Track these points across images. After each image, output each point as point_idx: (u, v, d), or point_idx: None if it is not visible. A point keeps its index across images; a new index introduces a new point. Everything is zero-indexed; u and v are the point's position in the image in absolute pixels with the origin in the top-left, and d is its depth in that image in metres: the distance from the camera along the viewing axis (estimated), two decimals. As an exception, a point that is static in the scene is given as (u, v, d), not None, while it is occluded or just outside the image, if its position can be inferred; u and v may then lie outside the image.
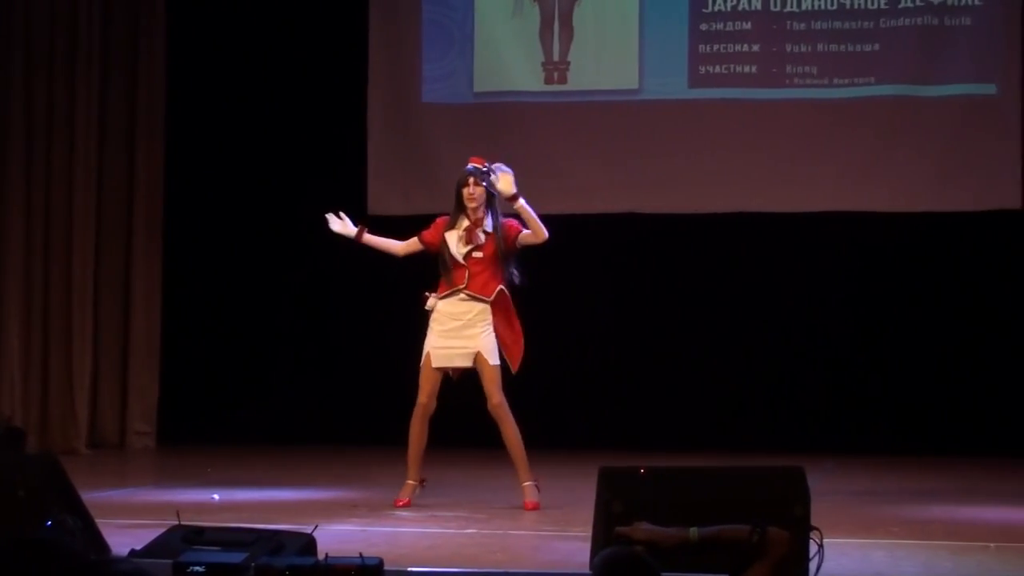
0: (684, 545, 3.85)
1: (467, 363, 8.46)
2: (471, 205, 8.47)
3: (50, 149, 12.23)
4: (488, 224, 8.49)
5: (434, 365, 8.48)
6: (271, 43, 13.10)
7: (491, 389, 8.44)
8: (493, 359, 8.45)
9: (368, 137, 12.71)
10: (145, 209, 12.76)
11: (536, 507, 8.38)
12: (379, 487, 9.43)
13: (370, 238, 8.93)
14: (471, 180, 8.47)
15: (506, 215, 8.61)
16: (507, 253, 8.52)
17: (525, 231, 8.49)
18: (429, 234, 8.67)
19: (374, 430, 12.26)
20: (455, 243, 8.49)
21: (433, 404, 8.50)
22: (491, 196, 8.50)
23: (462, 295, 8.48)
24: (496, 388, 8.43)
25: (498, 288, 8.51)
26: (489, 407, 8.47)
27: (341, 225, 8.92)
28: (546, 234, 8.48)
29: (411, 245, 8.78)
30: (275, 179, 13.15)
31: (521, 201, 8.42)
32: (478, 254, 8.46)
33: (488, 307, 8.48)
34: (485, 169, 8.51)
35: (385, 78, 12.74)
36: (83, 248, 12.34)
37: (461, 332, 8.46)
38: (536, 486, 8.46)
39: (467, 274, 8.47)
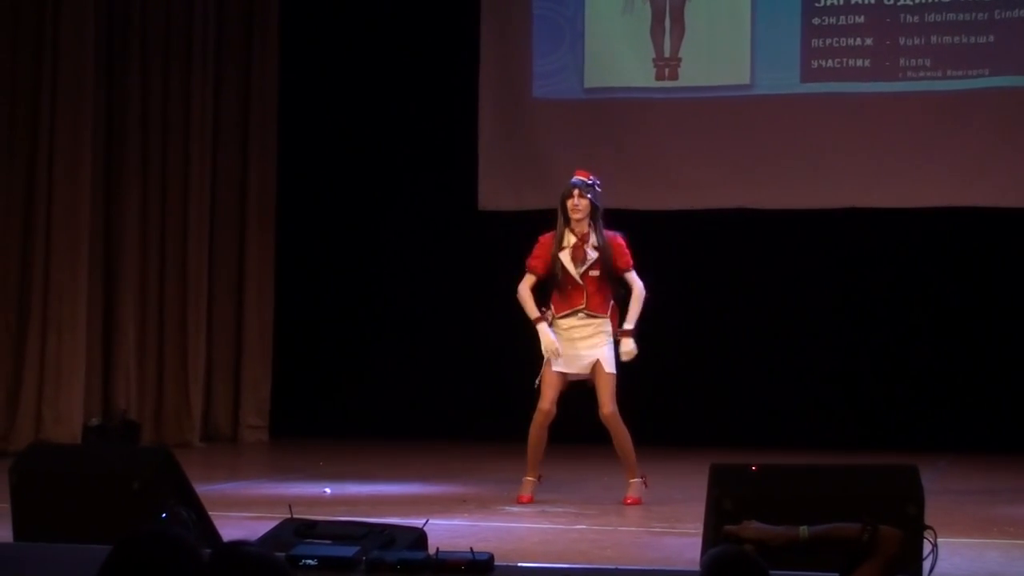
0: (794, 543, 3.82)
1: (587, 371, 8.47)
2: (576, 216, 8.45)
3: (165, 148, 12.39)
4: (594, 239, 8.47)
5: (553, 369, 8.47)
6: (382, 40, 13.18)
7: (604, 398, 8.43)
8: (610, 368, 8.44)
9: (479, 133, 12.74)
10: (258, 205, 12.90)
11: (637, 503, 8.37)
12: (490, 482, 9.46)
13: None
14: (576, 192, 8.45)
15: (609, 228, 8.58)
16: (613, 272, 8.54)
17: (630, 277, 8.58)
18: (537, 262, 8.56)
19: (485, 425, 12.31)
20: (569, 262, 8.48)
21: (555, 410, 8.48)
22: (595, 209, 8.48)
23: (581, 315, 8.49)
24: (610, 397, 8.42)
25: (611, 303, 8.54)
26: (601, 415, 8.45)
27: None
28: (644, 293, 8.59)
29: (533, 283, 8.63)
30: (387, 176, 13.23)
31: (629, 327, 8.52)
32: (594, 272, 8.46)
33: (607, 320, 8.50)
34: (591, 182, 8.50)
35: (496, 74, 12.76)
36: (197, 245, 12.49)
37: (584, 342, 8.47)
38: (644, 483, 8.45)
39: (585, 294, 8.47)
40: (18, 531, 6.00)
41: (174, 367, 12.41)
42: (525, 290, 8.60)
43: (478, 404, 12.63)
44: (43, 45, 11.43)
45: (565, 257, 8.48)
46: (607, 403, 8.43)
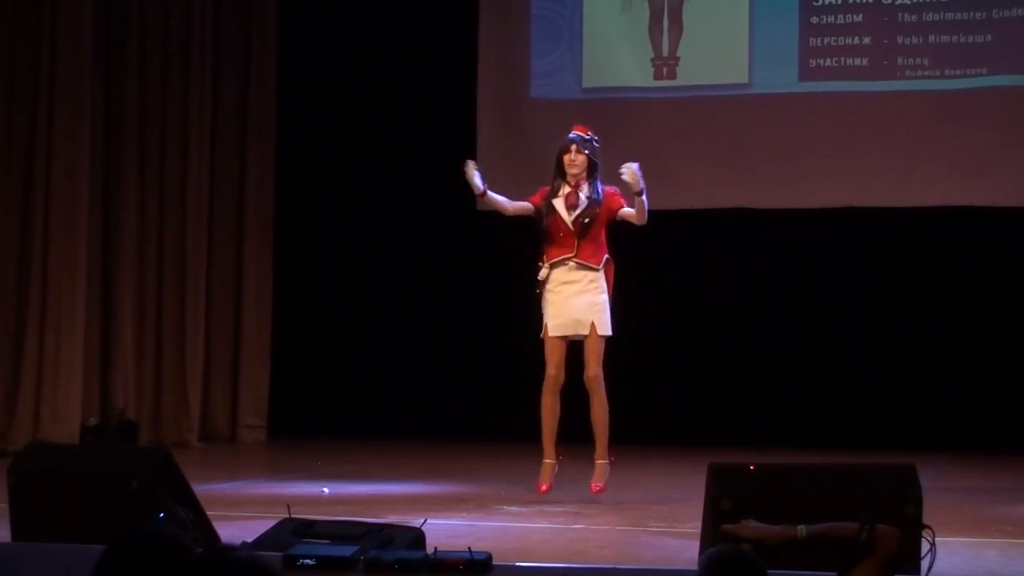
0: (791, 542, 3.81)
1: (585, 331, 8.41)
2: (572, 171, 8.44)
3: (163, 148, 12.38)
4: (588, 191, 8.44)
5: (552, 334, 8.44)
6: (381, 40, 13.17)
7: (591, 360, 8.40)
8: (603, 330, 8.40)
9: (477, 133, 12.73)
10: (256, 205, 12.90)
11: (602, 490, 8.35)
12: (488, 481, 9.45)
13: (490, 197, 8.73)
14: (574, 147, 8.46)
15: (606, 184, 8.57)
16: (615, 213, 8.51)
17: (628, 208, 8.47)
18: (533, 197, 8.62)
19: (483, 425, 12.32)
20: (562, 207, 8.46)
21: (562, 375, 8.45)
22: (593, 165, 8.47)
23: (572, 263, 8.45)
24: (596, 360, 8.39)
25: (605, 256, 8.50)
26: (585, 377, 8.43)
27: (473, 175, 8.60)
28: (646, 220, 8.50)
29: (522, 209, 8.66)
30: (385, 175, 13.22)
31: (644, 197, 8.38)
32: (586, 220, 8.42)
33: (600, 274, 8.45)
34: (588, 138, 8.50)
35: (494, 74, 12.76)
36: (196, 244, 12.49)
37: (578, 300, 8.41)
38: (609, 464, 8.43)
39: (576, 242, 8.44)
40: (16, 531, 6.00)
41: (172, 367, 12.41)
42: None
43: (476, 404, 12.63)
44: (41, 45, 11.41)
45: (559, 203, 8.46)
46: (593, 365, 8.39)
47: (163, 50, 12.37)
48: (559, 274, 8.46)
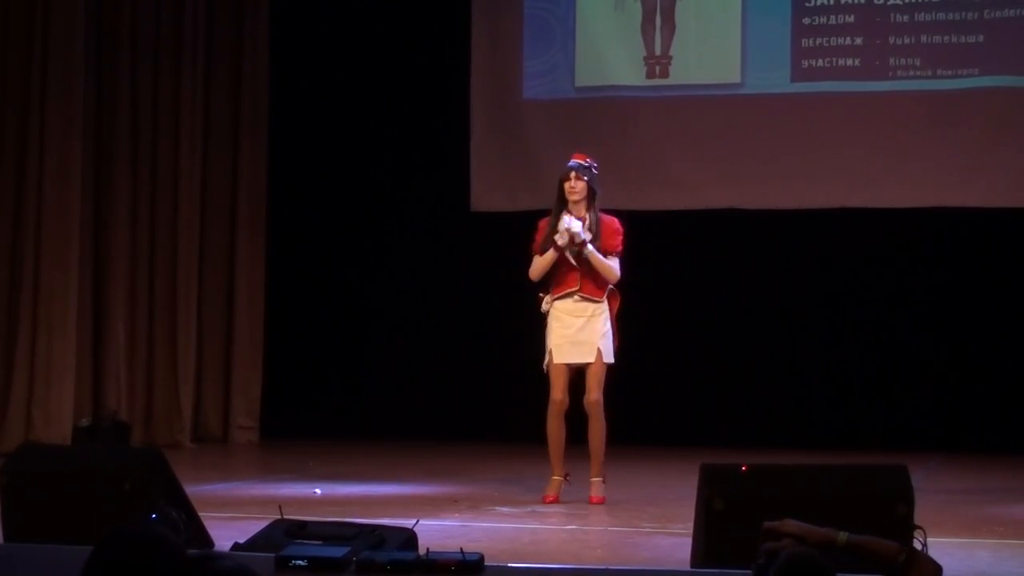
0: (830, 545, 3.82)
1: (590, 359, 8.46)
2: (573, 198, 8.46)
3: (155, 148, 12.37)
4: (590, 221, 8.45)
5: (556, 361, 8.48)
6: (373, 41, 13.16)
7: (593, 384, 8.45)
8: (607, 357, 8.47)
9: (470, 134, 12.73)
10: (249, 206, 12.89)
11: (602, 501, 8.39)
12: (480, 482, 9.45)
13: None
14: (573, 174, 8.47)
15: (606, 212, 8.58)
16: (606, 254, 8.50)
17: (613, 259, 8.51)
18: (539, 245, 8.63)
19: (476, 426, 12.32)
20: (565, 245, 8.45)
21: (567, 399, 8.50)
22: (593, 192, 8.49)
23: (576, 297, 8.48)
24: (598, 385, 8.44)
25: (608, 287, 8.51)
26: (585, 401, 8.47)
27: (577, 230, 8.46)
28: (617, 277, 8.48)
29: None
30: (378, 177, 13.21)
31: (589, 248, 8.38)
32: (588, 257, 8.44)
33: (604, 305, 8.48)
34: (587, 164, 8.51)
35: (487, 75, 12.75)
36: (188, 245, 12.47)
37: (584, 328, 8.46)
38: (603, 482, 8.48)
39: (579, 276, 8.46)
40: (8, 532, 5.99)
41: (164, 368, 12.40)
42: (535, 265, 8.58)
43: (469, 405, 12.63)
44: (33, 45, 11.40)
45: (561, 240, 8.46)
46: (594, 389, 8.45)
47: (155, 48, 12.34)
48: (564, 306, 8.50)
